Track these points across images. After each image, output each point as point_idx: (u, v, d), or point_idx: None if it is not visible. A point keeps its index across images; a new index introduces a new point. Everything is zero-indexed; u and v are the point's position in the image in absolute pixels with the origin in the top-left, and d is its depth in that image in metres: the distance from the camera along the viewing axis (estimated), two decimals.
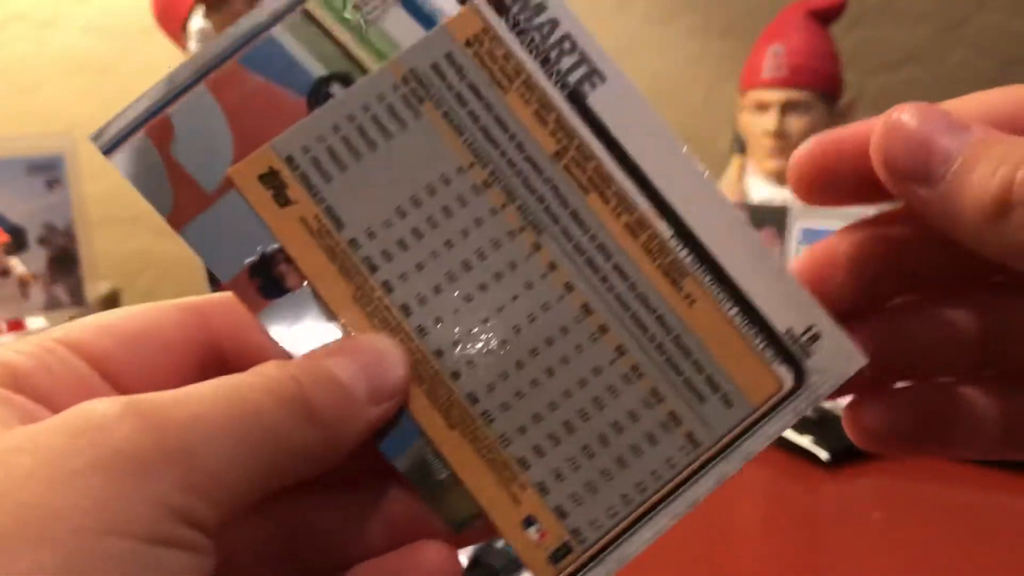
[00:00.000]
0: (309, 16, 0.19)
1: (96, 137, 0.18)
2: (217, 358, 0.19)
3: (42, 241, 0.79)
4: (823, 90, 0.86)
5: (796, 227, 0.77)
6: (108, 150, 0.18)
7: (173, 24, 0.96)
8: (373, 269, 0.18)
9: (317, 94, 0.19)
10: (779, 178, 0.88)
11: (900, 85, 1.12)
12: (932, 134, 0.17)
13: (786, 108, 0.86)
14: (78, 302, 0.81)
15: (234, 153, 0.19)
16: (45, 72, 1.11)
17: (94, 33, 1.11)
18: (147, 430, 0.15)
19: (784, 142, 0.86)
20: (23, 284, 0.77)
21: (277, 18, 0.19)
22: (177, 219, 0.18)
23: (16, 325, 0.78)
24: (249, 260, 0.18)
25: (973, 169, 0.16)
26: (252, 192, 0.18)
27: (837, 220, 0.77)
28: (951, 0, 1.09)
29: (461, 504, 0.18)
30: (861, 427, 0.19)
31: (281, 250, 0.18)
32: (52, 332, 0.18)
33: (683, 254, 0.18)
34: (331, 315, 0.18)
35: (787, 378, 0.18)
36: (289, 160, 0.18)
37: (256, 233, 0.19)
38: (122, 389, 0.18)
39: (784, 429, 0.18)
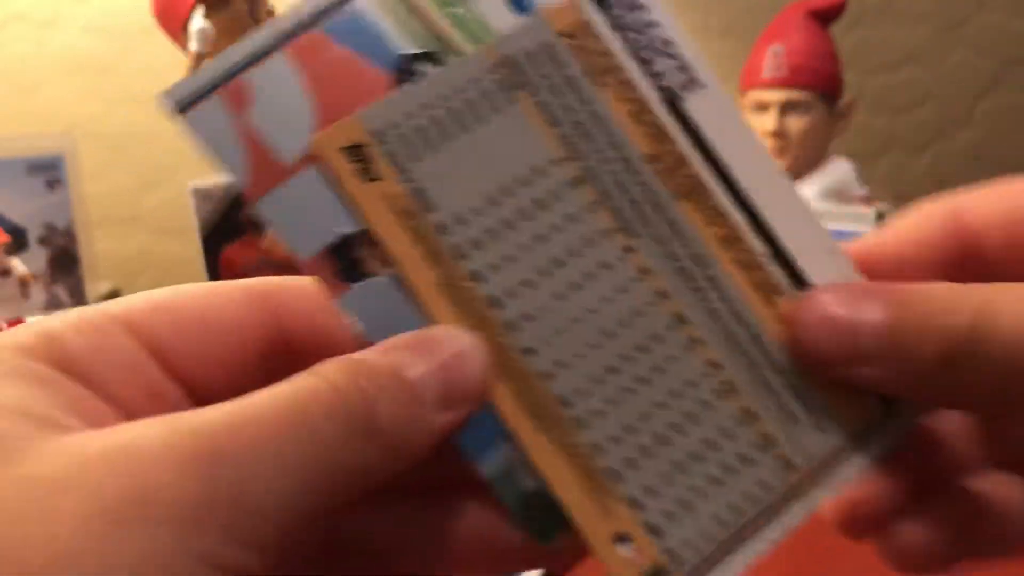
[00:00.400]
0: None
1: (167, 94, 0.17)
2: (283, 344, 0.18)
3: (42, 241, 0.79)
4: (823, 90, 0.86)
5: None
6: (181, 109, 0.17)
7: (173, 24, 0.96)
8: (461, 257, 0.17)
9: (403, 71, 0.18)
10: None
11: (900, 85, 1.12)
12: (854, 313, 0.16)
13: (786, 108, 0.86)
14: (78, 302, 0.81)
15: (314, 124, 0.18)
16: (45, 72, 1.11)
17: (94, 33, 1.11)
18: (196, 476, 0.13)
19: (784, 142, 0.86)
20: (23, 284, 0.77)
21: None
22: (253, 191, 0.17)
23: (16, 325, 0.78)
24: (328, 240, 0.17)
25: (905, 334, 0.16)
26: (335, 163, 0.17)
27: (839, 221, 0.78)
28: (951, 0, 1.09)
29: (547, 517, 0.17)
30: (904, 553, 0.18)
31: (361, 233, 0.17)
32: (107, 307, 0.17)
33: (777, 272, 0.18)
34: (413, 302, 0.17)
35: (877, 408, 0.18)
36: (377, 134, 0.17)
37: (337, 211, 0.17)
38: (177, 376, 0.17)
39: (877, 457, 0.18)
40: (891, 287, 0.16)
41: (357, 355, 0.16)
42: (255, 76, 0.17)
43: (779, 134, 0.86)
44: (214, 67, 0.18)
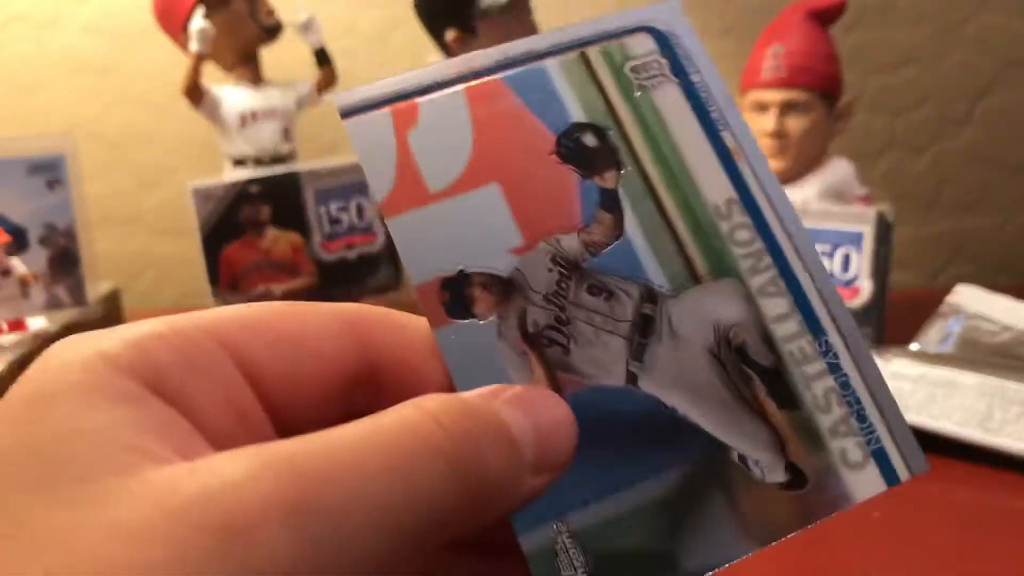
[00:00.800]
0: (585, 60, 0.19)
1: (340, 99, 0.18)
2: (368, 377, 0.17)
3: (43, 241, 0.79)
4: (822, 90, 0.86)
5: None
6: (346, 114, 0.18)
7: (173, 24, 0.96)
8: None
9: (569, 137, 0.19)
10: (779, 178, 0.88)
11: (900, 85, 1.12)
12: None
13: (785, 108, 0.86)
14: (79, 302, 0.81)
15: (468, 163, 0.18)
16: (45, 72, 1.11)
17: (94, 33, 1.11)
18: (291, 531, 0.12)
19: (784, 142, 0.86)
20: (24, 284, 0.77)
21: (553, 51, 0.19)
22: (391, 206, 0.18)
23: (17, 325, 0.78)
24: (445, 272, 0.18)
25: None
26: None
27: (837, 220, 0.78)
28: (951, 0, 1.09)
29: None
30: None
31: (479, 274, 0.18)
32: (201, 320, 0.16)
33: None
34: (515, 360, 0.18)
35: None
36: None
37: (464, 249, 0.18)
38: (266, 400, 0.16)
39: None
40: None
41: (462, 395, 0.15)
42: (428, 103, 0.18)
43: (779, 134, 0.86)
44: (393, 83, 0.19)
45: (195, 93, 0.94)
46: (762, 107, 0.87)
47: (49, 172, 0.79)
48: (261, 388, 0.16)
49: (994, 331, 0.66)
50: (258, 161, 0.97)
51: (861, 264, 0.72)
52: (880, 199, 0.92)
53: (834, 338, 0.19)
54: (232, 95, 0.98)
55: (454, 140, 0.18)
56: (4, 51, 1.10)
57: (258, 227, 0.88)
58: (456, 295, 0.18)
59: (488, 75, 0.19)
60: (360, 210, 0.91)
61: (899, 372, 0.58)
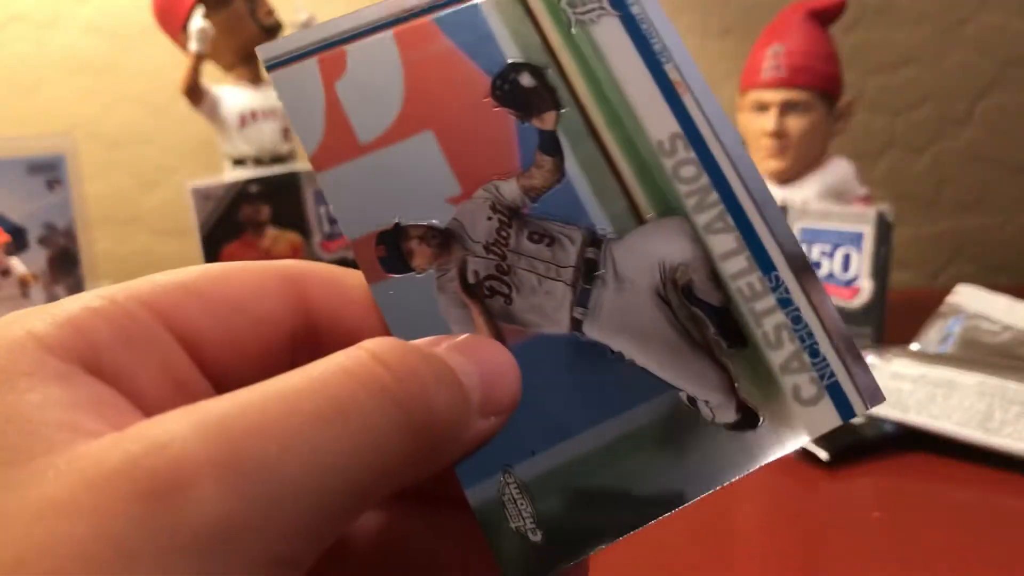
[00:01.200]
0: None
1: (265, 50, 0.17)
2: (310, 333, 0.17)
3: (42, 241, 0.79)
4: (823, 90, 0.86)
5: (796, 227, 0.77)
6: (272, 66, 0.18)
7: (173, 24, 0.96)
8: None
9: (504, 78, 0.18)
10: (779, 178, 0.88)
11: (900, 85, 1.12)
12: None
13: (786, 108, 0.86)
14: None
15: (401, 111, 0.18)
16: (45, 72, 1.11)
17: (94, 33, 1.11)
18: (223, 492, 0.12)
19: (784, 142, 0.86)
20: (23, 284, 0.77)
21: None
22: (321, 160, 0.18)
23: None
24: (381, 226, 0.18)
25: None
26: None
27: (837, 220, 0.78)
28: (951, 0, 1.09)
29: (526, 562, 0.16)
30: None
31: (415, 226, 0.18)
32: (136, 289, 0.15)
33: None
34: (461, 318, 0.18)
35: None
36: None
37: (399, 201, 0.18)
38: (206, 365, 0.16)
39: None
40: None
41: (407, 342, 0.15)
42: (357, 49, 0.18)
43: (779, 134, 0.86)
44: (319, 31, 0.18)
45: (195, 93, 0.94)
46: (762, 107, 0.87)
47: (49, 172, 0.79)
48: (200, 354, 0.16)
49: (994, 331, 0.65)
50: (258, 161, 0.97)
51: (861, 264, 0.72)
52: (880, 199, 0.92)
53: (784, 273, 0.18)
54: (232, 95, 0.98)
55: (385, 87, 0.18)
56: (4, 51, 1.10)
57: (258, 227, 0.88)
58: (393, 249, 0.18)
59: (419, 16, 0.18)
60: None
61: (899, 372, 0.58)
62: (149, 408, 0.15)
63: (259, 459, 0.12)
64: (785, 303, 0.18)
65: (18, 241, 0.78)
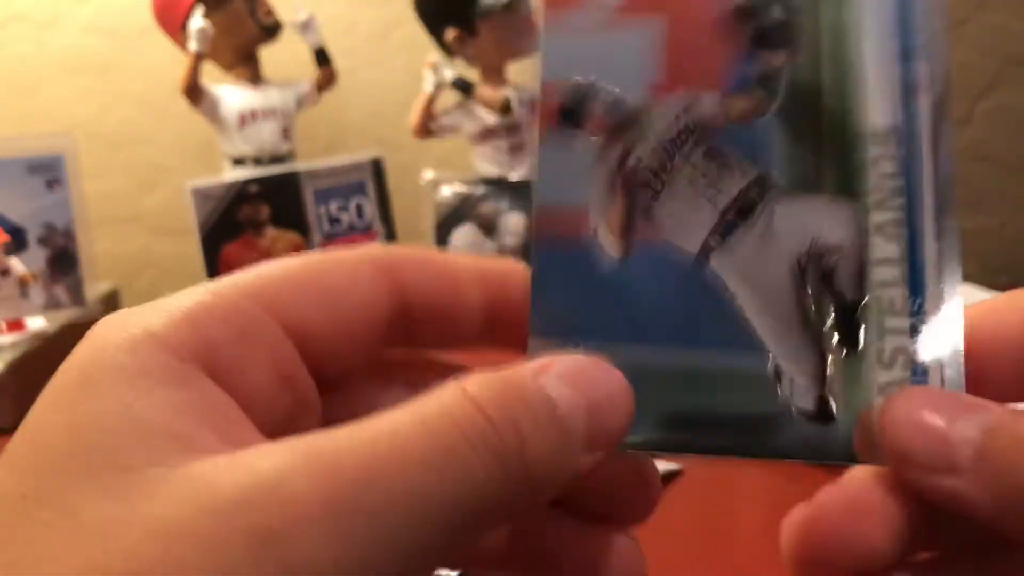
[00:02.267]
0: None
1: None
2: (404, 316, 0.17)
3: (42, 241, 0.79)
4: None
5: None
6: None
7: (173, 24, 0.96)
8: None
9: (757, 1, 0.18)
10: None
11: None
12: (949, 424, 0.16)
13: None
14: (77, 302, 0.81)
15: None
16: (45, 72, 1.11)
17: (94, 33, 1.11)
18: (339, 540, 0.12)
19: None
20: (23, 284, 0.77)
21: None
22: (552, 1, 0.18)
23: (16, 325, 0.78)
24: (578, 79, 0.18)
25: (995, 457, 0.15)
26: None
27: None
28: (951, 0, 1.09)
29: None
30: None
31: (608, 92, 0.18)
32: (245, 284, 0.16)
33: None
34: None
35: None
36: None
37: (603, 65, 0.18)
38: (309, 355, 0.16)
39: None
40: (987, 405, 0.16)
41: (507, 374, 0.15)
42: None
43: None
44: None
45: (194, 93, 0.94)
46: None
47: (48, 172, 0.79)
48: (304, 345, 0.16)
49: None
50: (257, 161, 0.97)
51: None
52: None
53: (930, 304, 0.18)
54: (231, 95, 0.98)
55: None
56: (4, 51, 1.10)
57: (257, 227, 0.88)
58: (576, 103, 0.18)
59: None
60: (360, 209, 0.91)
61: None
62: (257, 407, 0.15)
63: (367, 506, 0.13)
64: (915, 331, 0.18)
65: (17, 241, 0.78)
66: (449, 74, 0.93)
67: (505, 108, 0.93)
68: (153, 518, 0.12)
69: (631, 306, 0.18)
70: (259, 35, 0.98)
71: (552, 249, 0.18)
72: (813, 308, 0.18)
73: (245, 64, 0.99)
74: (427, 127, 0.95)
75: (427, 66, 0.93)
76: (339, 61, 1.02)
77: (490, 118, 0.94)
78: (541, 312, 0.17)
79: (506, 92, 0.93)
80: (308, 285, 0.17)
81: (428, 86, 0.93)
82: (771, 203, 0.18)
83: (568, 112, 0.18)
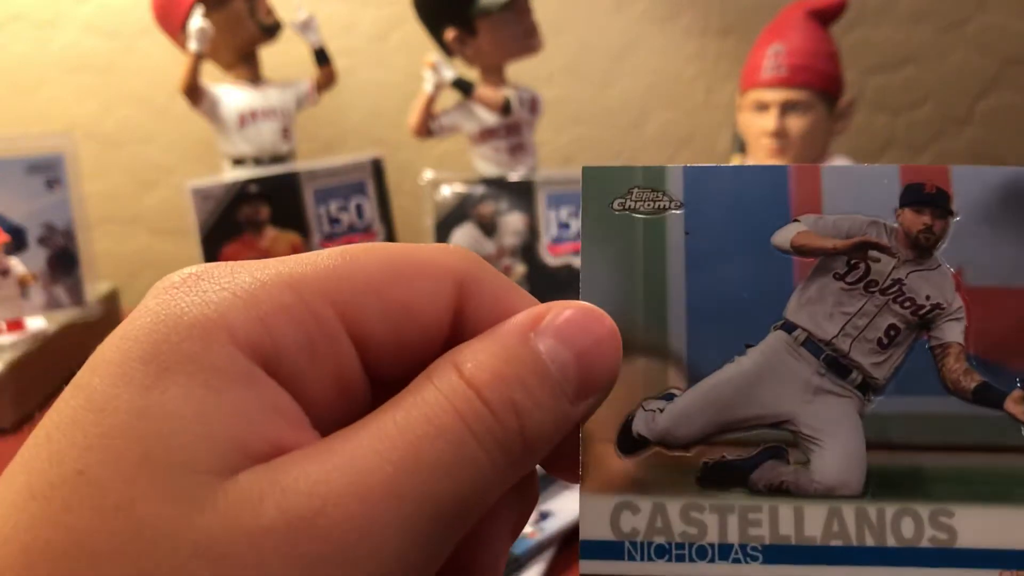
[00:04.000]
0: None
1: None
2: (458, 335, 0.17)
3: (42, 241, 0.79)
4: (823, 90, 0.86)
5: None
6: None
7: (172, 24, 0.96)
8: None
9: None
10: None
11: (900, 85, 1.11)
12: None
13: (786, 108, 0.86)
14: (77, 302, 0.81)
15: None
16: (45, 72, 1.11)
17: (94, 33, 1.11)
18: (375, 552, 0.14)
19: (784, 142, 0.86)
20: (23, 284, 0.77)
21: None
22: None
23: (16, 325, 0.78)
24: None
25: None
26: None
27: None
28: (951, 0, 1.09)
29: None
30: None
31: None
32: (320, 282, 0.16)
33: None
34: None
35: None
36: None
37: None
38: (368, 361, 0.16)
39: None
40: None
41: (499, 341, 0.16)
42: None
43: (779, 134, 0.86)
44: None
45: (194, 92, 0.94)
46: (762, 107, 0.87)
47: (48, 172, 0.79)
48: (367, 354, 0.17)
49: None
50: (257, 161, 0.97)
51: None
52: None
53: None
54: (231, 94, 0.98)
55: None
56: (4, 51, 1.10)
57: (257, 227, 0.88)
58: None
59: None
60: (359, 209, 0.91)
61: None
62: (316, 410, 0.16)
63: (396, 522, 0.14)
64: None
65: (17, 241, 0.78)
66: (449, 74, 0.93)
67: (505, 108, 0.93)
68: (198, 535, 0.13)
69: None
70: (259, 35, 0.98)
71: None
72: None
73: (245, 64, 0.99)
74: (427, 127, 0.95)
75: (427, 66, 0.93)
76: (339, 61, 1.02)
77: (490, 118, 0.94)
78: None
79: (506, 92, 0.93)
80: (383, 295, 0.16)
81: (428, 86, 0.93)
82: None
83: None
